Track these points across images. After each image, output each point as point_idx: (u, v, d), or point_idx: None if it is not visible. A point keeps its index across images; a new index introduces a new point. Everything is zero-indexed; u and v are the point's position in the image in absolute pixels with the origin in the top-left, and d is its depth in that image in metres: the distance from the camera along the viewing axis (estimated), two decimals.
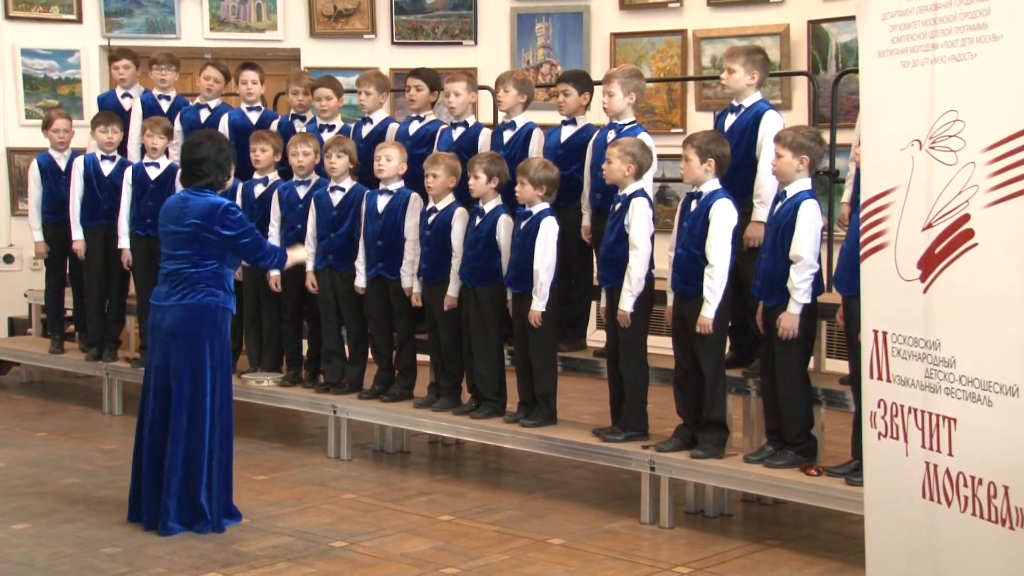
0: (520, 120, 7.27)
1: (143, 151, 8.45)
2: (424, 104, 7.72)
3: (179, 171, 6.25)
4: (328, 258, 7.49)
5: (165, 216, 6.02)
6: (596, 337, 7.44)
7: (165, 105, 8.80)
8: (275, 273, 7.69)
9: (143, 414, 5.98)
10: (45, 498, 6.48)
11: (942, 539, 4.00)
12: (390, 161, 7.22)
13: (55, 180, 8.85)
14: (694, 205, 6.06)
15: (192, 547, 5.67)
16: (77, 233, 8.66)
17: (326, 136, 7.80)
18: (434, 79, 7.72)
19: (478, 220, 6.87)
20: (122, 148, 8.74)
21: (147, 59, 9.05)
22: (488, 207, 6.85)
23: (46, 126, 9.02)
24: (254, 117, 8.40)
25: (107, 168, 8.60)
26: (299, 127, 8.16)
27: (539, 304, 6.56)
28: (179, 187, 6.20)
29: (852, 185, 6.39)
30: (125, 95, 9.00)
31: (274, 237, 7.66)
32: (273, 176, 7.85)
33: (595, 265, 6.94)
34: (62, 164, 8.86)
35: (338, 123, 8.04)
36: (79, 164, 8.65)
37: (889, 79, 4.21)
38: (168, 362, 5.87)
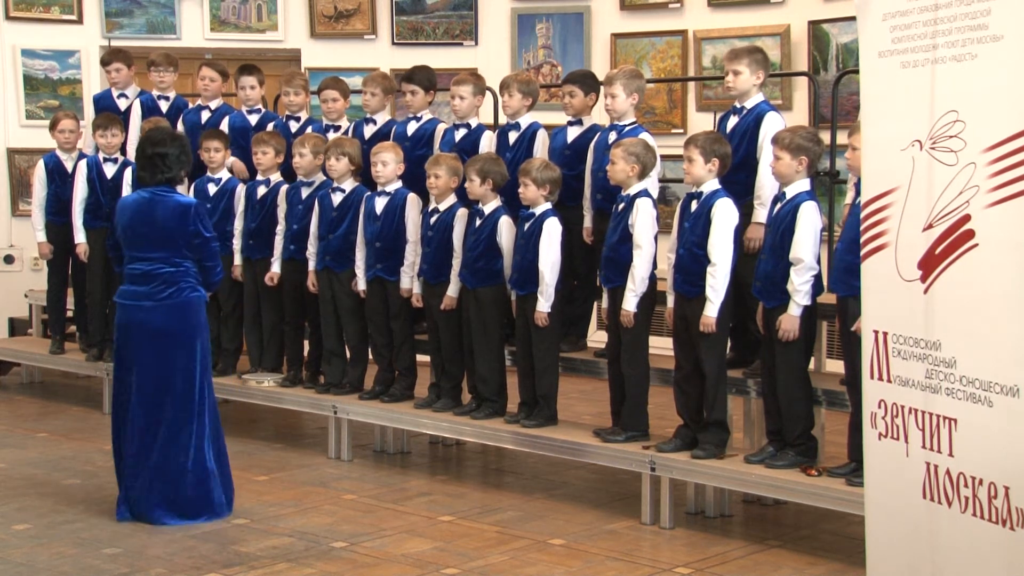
0: (524, 121, 7.27)
1: None
2: (422, 106, 7.73)
3: (138, 165, 6.19)
4: (326, 259, 7.50)
5: (133, 217, 6.02)
6: (596, 337, 7.44)
7: (164, 106, 8.81)
8: (275, 270, 7.75)
9: (122, 414, 6.02)
10: (45, 499, 6.48)
11: (942, 540, 4.00)
12: (386, 166, 7.23)
13: (61, 181, 8.85)
14: (694, 205, 6.06)
15: (192, 548, 5.68)
16: (80, 236, 8.66)
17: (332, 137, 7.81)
18: (427, 80, 7.72)
19: (478, 222, 6.87)
20: (123, 149, 8.75)
21: (146, 60, 9.05)
22: (488, 209, 6.85)
23: (52, 127, 9.02)
24: (254, 119, 8.41)
25: (110, 170, 8.60)
26: (294, 128, 8.17)
27: (544, 305, 6.57)
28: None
29: (855, 188, 6.41)
30: (121, 95, 9.00)
31: (279, 235, 7.76)
32: (275, 177, 7.86)
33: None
34: (68, 165, 8.86)
35: (344, 124, 8.04)
36: (82, 167, 8.65)
37: (890, 79, 4.21)
38: (155, 361, 5.93)
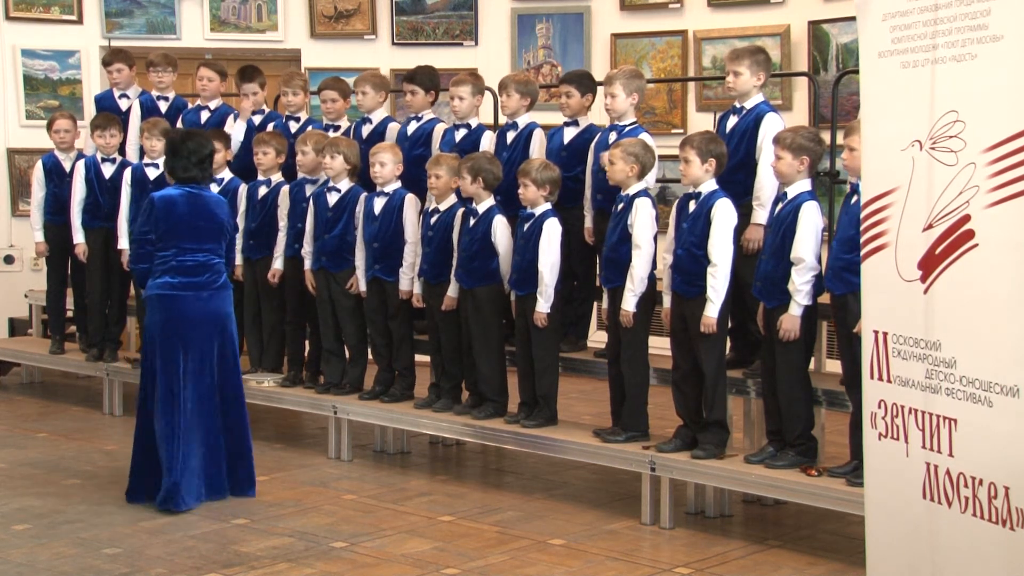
0: (523, 121, 7.26)
1: (142, 152, 8.46)
2: (422, 106, 7.72)
3: (190, 162, 6.39)
4: (321, 259, 7.50)
5: (190, 211, 6.30)
6: (596, 338, 7.44)
7: (164, 106, 8.81)
8: (277, 267, 7.76)
9: (194, 399, 6.26)
10: (46, 499, 6.48)
11: (942, 540, 4.00)
12: (384, 166, 7.23)
13: (60, 181, 8.84)
14: (693, 205, 6.06)
15: (192, 548, 5.68)
16: (79, 236, 8.66)
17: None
18: (429, 81, 7.70)
19: (472, 221, 6.87)
20: (122, 149, 8.75)
21: (145, 60, 9.05)
22: (482, 208, 6.85)
23: (49, 127, 9.02)
24: (256, 119, 8.40)
25: (108, 171, 8.60)
26: (293, 128, 8.17)
27: (544, 305, 6.56)
28: None
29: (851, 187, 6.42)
30: (122, 96, 9.01)
31: (281, 232, 7.78)
32: (276, 177, 7.86)
33: (597, 266, 6.94)
34: (67, 165, 8.86)
35: (344, 124, 8.03)
36: (80, 167, 8.65)
37: (890, 80, 4.21)
38: (221, 345, 6.38)
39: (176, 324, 6.28)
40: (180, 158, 6.39)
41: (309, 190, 7.65)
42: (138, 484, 6.36)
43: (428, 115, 7.75)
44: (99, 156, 8.63)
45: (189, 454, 6.23)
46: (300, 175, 7.73)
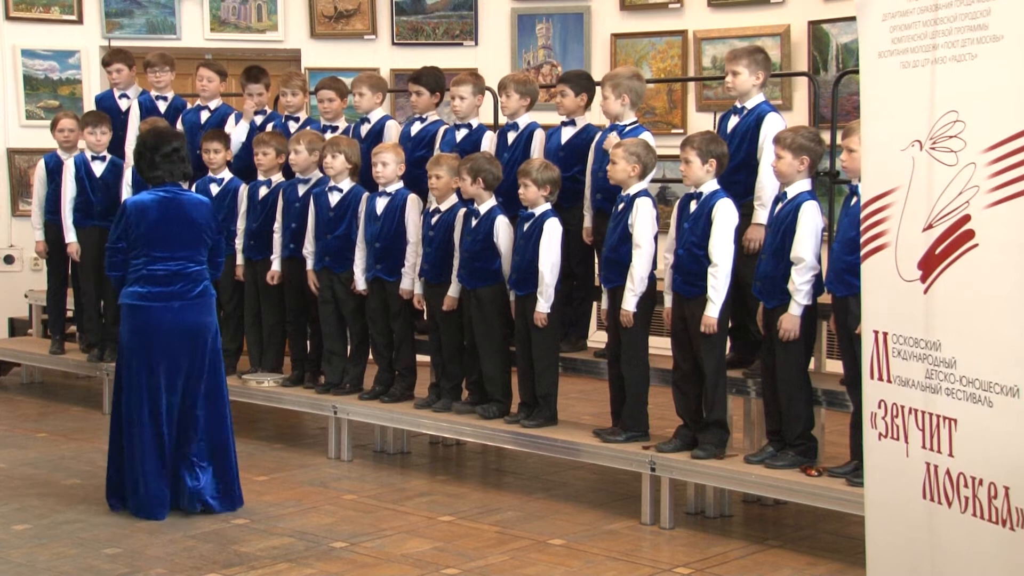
0: (523, 121, 7.26)
1: None
2: (427, 107, 7.71)
3: (153, 161, 6.19)
4: (325, 259, 7.49)
5: (163, 217, 6.08)
6: (596, 338, 7.44)
7: (163, 106, 8.80)
8: (275, 268, 7.75)
9: (153, 414, 6.04)
10: (46, 499, 6.48)
11: (942, 540, 4.00)
12: (387, 166, 7.23)
13: (61, 181, 8.84)
14: (694, 206, 6.07)
15: (192, 548, 5.68)
16: (70, 235, 8.65)
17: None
18: (434, 82, 7.69)
19: (474, 222, 6.87)
20: (117, 149, 8.73)
21: (142, 60, 9.05)
22: (483, 208, 6.85)
23: (53, 127, 9.02)
24: (257, 119, 8.40)
25: (98, 168, 8.59)
26: (293, 128, 8.17)
27: (544, 305, 6.57)
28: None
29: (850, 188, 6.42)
30: (122, 96, 9.01)
31: (278, 232, 7.77)
32: (277, 178, 7.87)
33: (596, 266, 6.94)
34: None
35: (341, 124, 8.03)
36: (70, 165, 8.63)
37: (890, 80, 4.21)
38: (191, 358, 6.07)
39: (143, 336, 6.04)
40: (143, 159, 6.22)
41: (302, 190, 7.65)
42: (114, 491, 6.24)
43: (432, 116, 7.74)
44: (88, 154, 8.62)
45: (161, 466, 6.09)
46: (296, 174, 7.73)
